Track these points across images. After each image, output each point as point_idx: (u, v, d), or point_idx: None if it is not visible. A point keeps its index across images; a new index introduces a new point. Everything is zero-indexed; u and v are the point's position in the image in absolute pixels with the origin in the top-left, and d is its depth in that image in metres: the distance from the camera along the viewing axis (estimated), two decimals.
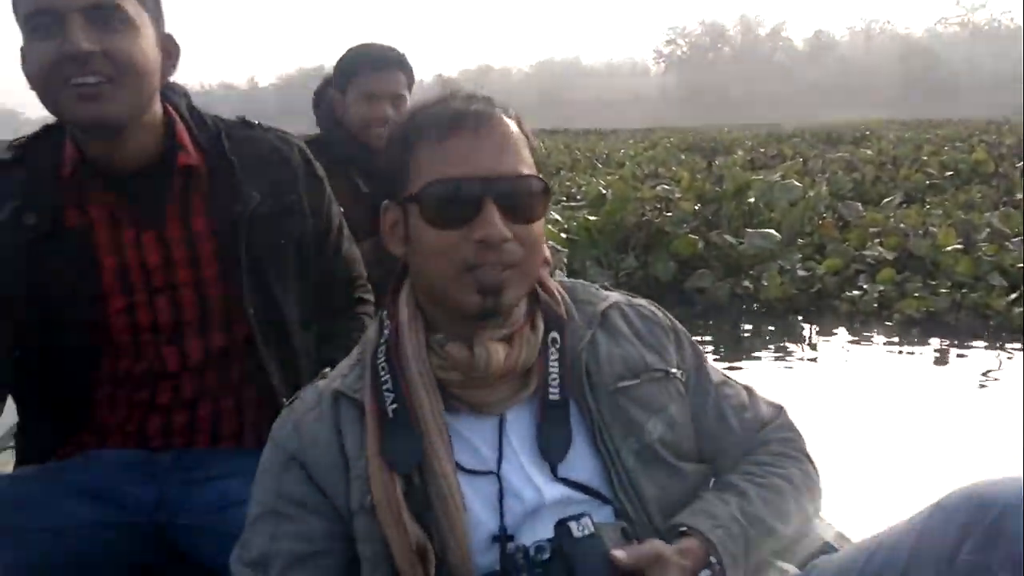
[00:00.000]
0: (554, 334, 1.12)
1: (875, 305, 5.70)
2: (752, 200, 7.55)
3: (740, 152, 16.27)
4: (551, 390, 1.09)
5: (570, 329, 1.14)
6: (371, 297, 1.75)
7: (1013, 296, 5.43)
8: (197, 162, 1.46)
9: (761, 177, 8.37)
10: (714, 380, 1.21)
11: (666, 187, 8.51)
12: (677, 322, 1.23)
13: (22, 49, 1.34)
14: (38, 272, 1.41)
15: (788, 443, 1.19)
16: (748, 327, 5.91)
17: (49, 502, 1.43)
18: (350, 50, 2.48)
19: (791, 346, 5.47)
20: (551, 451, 1.07)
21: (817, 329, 5.73)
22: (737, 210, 7.44)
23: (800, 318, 5.94)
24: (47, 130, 1.47)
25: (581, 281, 1.24)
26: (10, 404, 1.53)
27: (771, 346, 5.47)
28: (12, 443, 1.77)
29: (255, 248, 1.48)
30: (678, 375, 1.17)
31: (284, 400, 1.22)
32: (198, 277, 1.47)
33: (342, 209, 1.70)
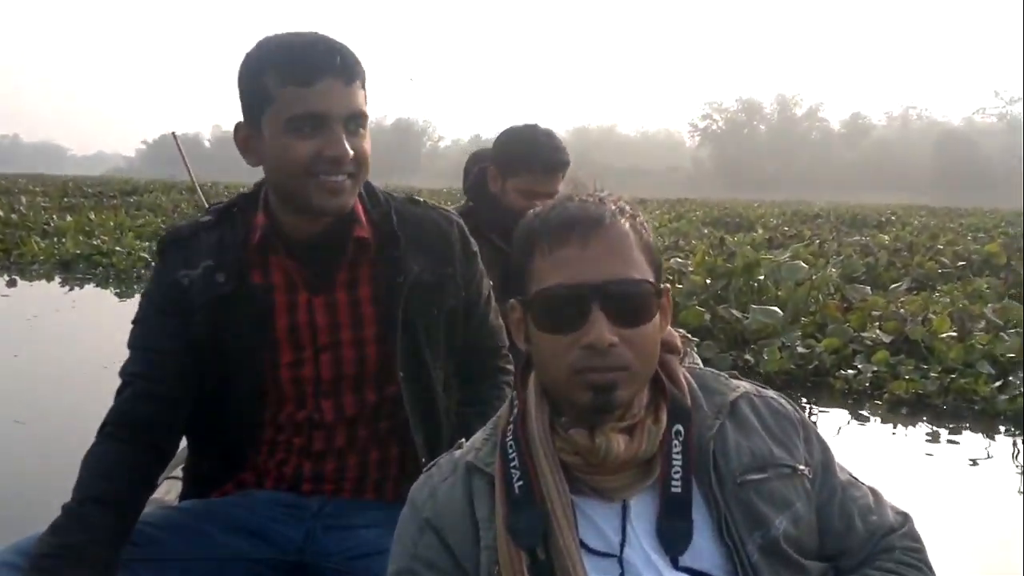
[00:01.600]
0: (678, 426, 1.13)
1: (867, 384, 5.97)
2: (761, 277, 7.88)
3: (761, 230, 16.60)
4: (673, 483, 1.10)
5: (698, 419, 1.15)
6: (512, 367, 1.81)
7: (998, 384, 5.70)
8: (369, 235, 1.60)
9: (771, 256, 8.69)
10: (841, 479, 1.20)
11: (680, 260, 8.88)
12: (806, 416, 1.23)
13: (240, 126, 1.53)
14: (222, 325, 1.56)
15: (912, 553, 1.18)
16: None
17: (210, 534, 1.57)
18: (522, 136, 2.52)
19: None
20: (672, 543, 1.08)
21: (815, 402, 5.99)
22: (746, 286, 7.77)
23: (799, 393, 6.21)
24: (244, 198, 1.64)
25: (711, 370, 1.25)
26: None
27: None
28: (175, 474, 1.95)
29: (411, 314, 1.61)
30: (805, 472, 1.16)
31: (423, 458, 1.35)
32: (359, 337, 1.62)
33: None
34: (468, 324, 1.74)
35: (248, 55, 1.52)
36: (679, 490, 1.10)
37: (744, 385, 1.23)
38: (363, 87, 1.51)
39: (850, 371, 6.17)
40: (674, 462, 1.11)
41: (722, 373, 1.25)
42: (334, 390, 1.63)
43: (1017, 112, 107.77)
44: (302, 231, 1.57)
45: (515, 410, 1.17)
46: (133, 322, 1.64)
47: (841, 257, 11.48)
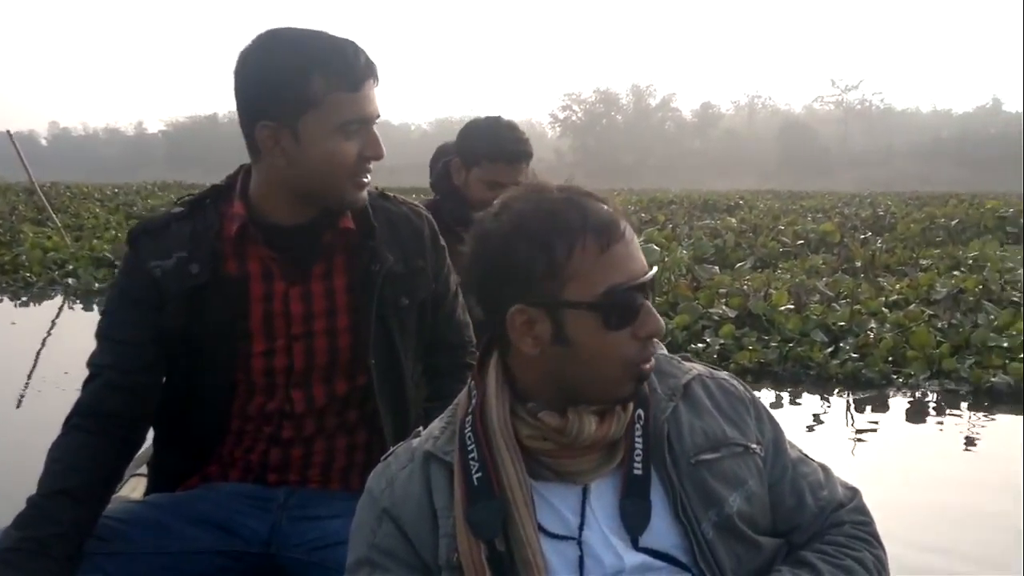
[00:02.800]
0: (639, 411, 1.16)
1: (715, 356, 6.36)
2: None
3: None
4: (635, 465, 1.13)
5: (653, 400, 1.17)
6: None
7: (830, 350, 6.21)
8: (352, 226, 1.62)
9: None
10: (792, 457, 1.23)
11: None
12: (756, 396, 1.26)
13: (265, 126, 1.49)
14: (195, 316, 1.56)
15: (862, 526, 1.21)
16: None
17: (176, 528, 1.57)
18: (485, 127, 2.55)
19: None
20: (632, 524, 1.11)
21: None
22: None
23: None
24: (215, 190, 1.64)
25: (664, 354, 1.25)
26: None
27: None
28: (141, 471, 1.96)
29: (384, 305, 1.63)
30: (757, 450, 1.19)
31: (391, 446, 1.32)
32: (332, 327, 1.63)
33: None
34: (436, 318, 1.76)
35: (274, 53, 1.50)
36: (640, 472, 1.13)
37: (697, 367, 1.25)
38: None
39: (700, 345, 6.56)
40: (636, 445, 1.14)
41: (675, 356, 1.26)
42: (305, 380, 1.64)
43: (852, 99, 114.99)
44: (288, 220, 1.59)
45: (473, 400, 1.16)
46: (102, 312, 1.63)
47: (692, 240, 12.09)
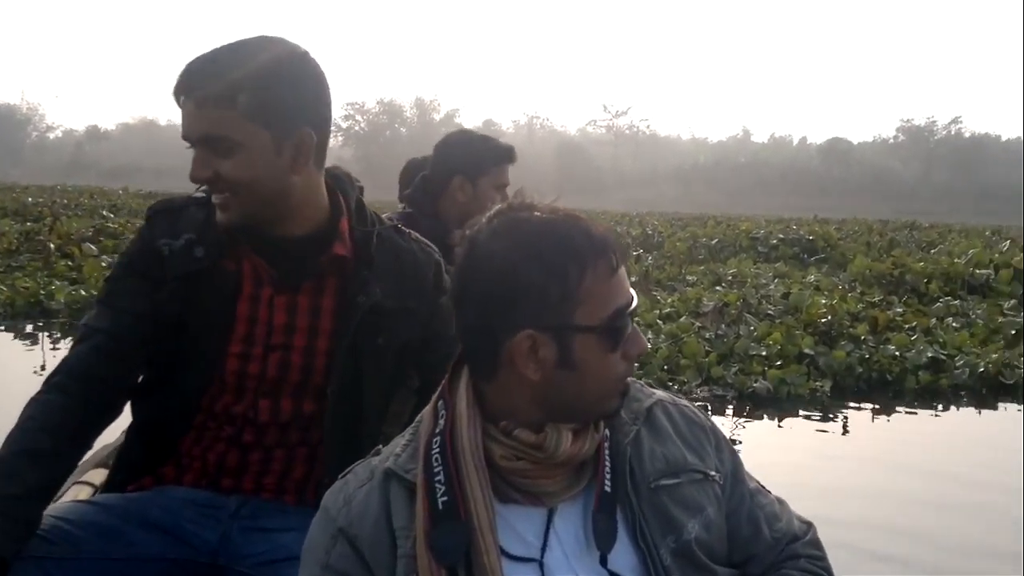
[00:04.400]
0: (606, 431, 1.16)
1: None
2: None
3: None
4: (606, 482, 1.13)
5: (617, 424, 1.17)
6: None
7: None
8: (348, 253, 1.60)
9: None
10: (750, 487, 1.24)
11: None
12: (716, 425, 1.26)
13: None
14: (189, 300, 1.56)
15: (817, 560, 1.21)
16: None
17: (126, 532, 1.53)
18: (474, 138, 2.59)
19: None
20: (602, 540, 1.10)
21: None
22: None
23: None
24: None
25: (629, 378, 1.23)
26: (115, 429, 1.66)
27: None
28: (87, 478, 1.88)
29: (360, 338, 1.59)
30: (716, 478, 1.19)
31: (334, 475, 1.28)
32: (311, 346, 1.60)
33: None
34: (428, 360, 1.69)
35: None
36: (610, 489, 1.13)
37: (659, 393, 1.26)
38: (229, 107, 1.45)
39: None
40: (607, 463, 1.14)
41: (639, 381, 1.26)
42: (275, 391, 1.61)
43: (622, 124, 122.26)
44: (277, 234, 1.57)
45: (441, 420, 1.12)
46: (105, 280, 1.66)
47: None
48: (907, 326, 8.36)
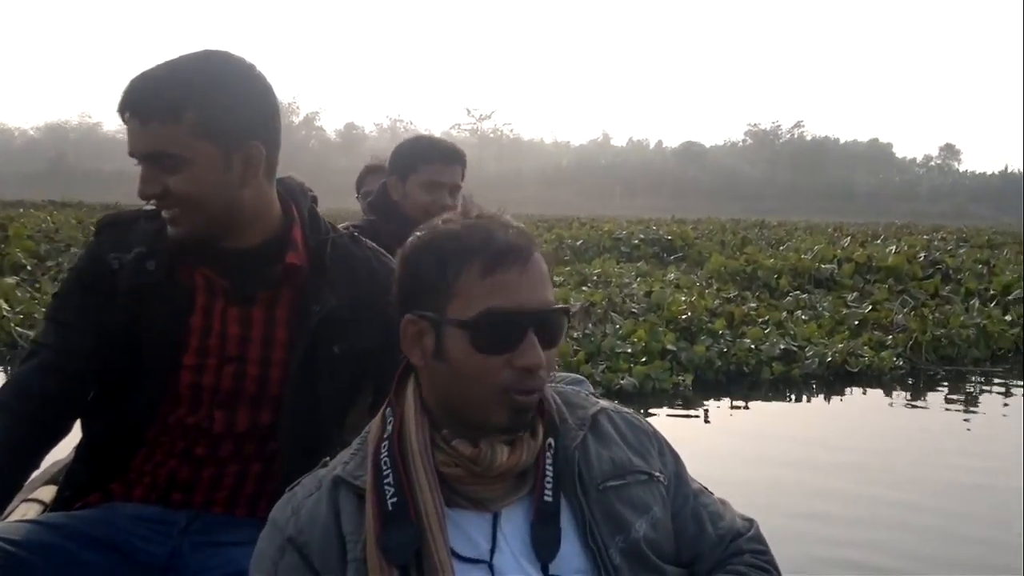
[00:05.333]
0: (550, 440, 1.17)
1: None
2: None
3: None
4: (546, 492, 1.13)
5: (563, 430, 1.19)
6: None
7: None
8: (302, 262, 1.58)
9: None
10: (693, 488, 1.27)
11: None
12: (658, 431, 1.29)
13: None
14: (140, 313, 1.54)
15: (760, 555, 1.24)
16: None
17: (70, 551, 1.49)
18: (413, 141, 2.59)
19: None
20: (544, 550, 1.11)
21: None
22: None
23: None
24: None
25: (573, 388, 1.29)
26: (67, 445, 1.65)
27: None
28: (36, 495, 1.84)
29: (316, 347, 1.57)
30: (661, 478, 1.22)
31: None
32: (267, 357, 1.58)
33: None
34: (385, 370, 1.61)
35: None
36: (550, 499, 1.13)
37: (603, 403, 1.28)
38: (174, 122, 1.43)
39: None
40: (547, 472, 1.15)
41: (583, 391, 1.30)
42: (230, 403, 1.59)
43: (486, 128, 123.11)
44: (229, 246, 1.55)
45: (389, 426, 1.15)
46: (54, 295, 1.64)
47: None
48: (761, 320, 8.78)
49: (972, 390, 7.41)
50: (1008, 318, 9.29)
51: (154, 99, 1.44)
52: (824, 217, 47.42)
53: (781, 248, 16.24)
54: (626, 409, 1.31)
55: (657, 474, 1.22)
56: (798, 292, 11.05)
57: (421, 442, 1.12)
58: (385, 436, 1.14)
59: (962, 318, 8.98)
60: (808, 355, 7.57)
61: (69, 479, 1.66)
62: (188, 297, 1.57)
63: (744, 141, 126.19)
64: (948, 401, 7.01)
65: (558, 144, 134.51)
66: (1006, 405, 6.94)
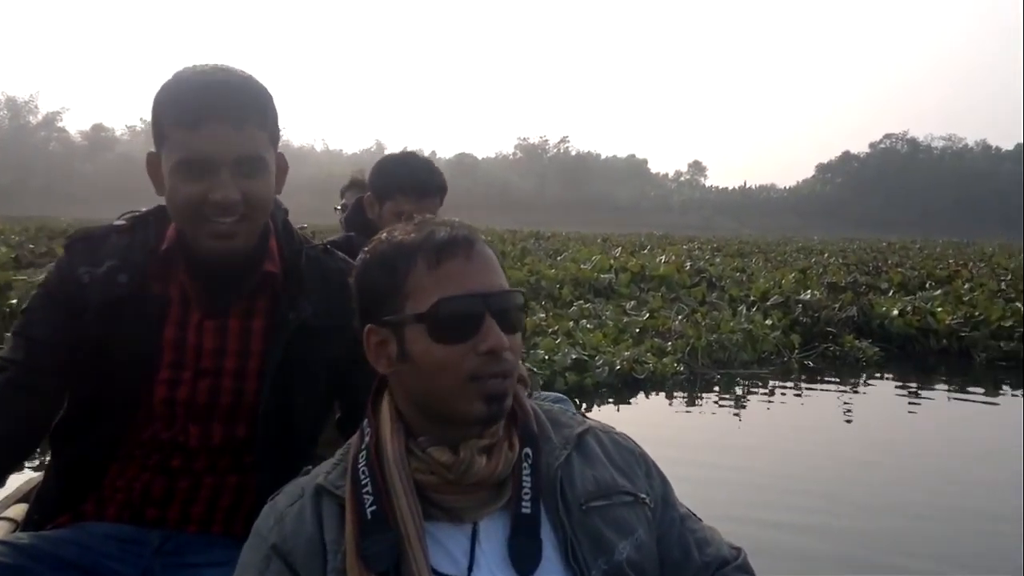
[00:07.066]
0: (528, 450, 1.15)
1: None
2: (15, 301, 6.94)
3: (3, 248, 14.84)
4: (523, 504, 1.11)
5: (547, 448, 1.18)
6: None
7: None
8: (277, 271, 1.59)
9: (25, 277, 7.78)
10: (680, 512, 1.25)
11: None
12: (646, 452, 1.28)
13: (151, 155, 1.51)
14: (112, 327, 1.52)
15: None
16: None
17: (37, 573, 1.44)
18: (397, 163, 2.54)
19: None
20: (522, 563, 1.09)
21: None
22: None
23: None
24: (161, 209, 1.58)
25: (560, 406, 1.31)
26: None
27: None
28: (7, 513, 1.77)
29: (291, 355, 1.58)
30: (647, 500, 1.20)
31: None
32: (242, 369, 1.57)
33: None
34: (353, 382, 1.66)
35: (162, 85, 1.50)
36: (528, 510, 1.12)
37: (590, 421, 1.27)
38: (261, 127, 1.48)
39: None
40: (524, 483, 1.13)
41: (569, 410, 1.31)
42: (205, 416, 1.58)
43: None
44: (210, 254, 1.53)
45: (367, 437, 1.15)
46: (22, 311, 1.62)
47: None
48: (551, 330, 8.85)
49: (741, 392, 7.85)
50: (769, 322, 10.00)
51: (250, 103, 1.47)
52: (590, 228, 50.01)
53: (559, 258, 16.70)
54: (614, 429, 1.29)
55: (643, 496, 1.21)
56: (581, 301, 11.33)
57: (397, 451, 1.11)
58: (363, 446, 1.15)
59: (731, 323, 9.56)
60: (598, 364, 7.69)
61: (39, 500, 1.63)
62: (161, 310, 1.57)
63: (515, 154, 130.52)
64: (720, 403, 7.38)
65: (330, 152, 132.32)
66: (770, 402, 7.42)
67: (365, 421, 1.18)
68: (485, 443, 1.12)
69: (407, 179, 2.49)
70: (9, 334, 1.61)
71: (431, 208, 2.48)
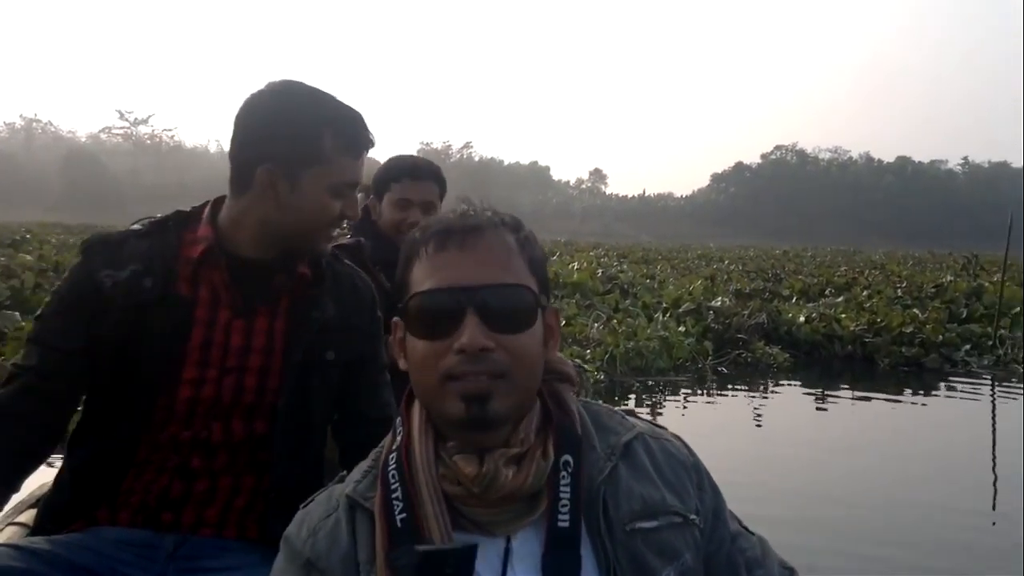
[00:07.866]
0: (567, 457, 1.06)
1: None
2: None
3: None
4: (560, 517, 1.03)
5: (589, 458, 1.09)
6: None
7: None
8: (308, 272, 1.66)
9: None
10: (731, 529, 1.17)
11: None
12: (700, 461, 1.18)
13: (268, 169, 1.56)
14: (137, 330, 1.54)
15: None
16: None
17: None
18: (389, 160, 2.61)
19: None
20: None
21: None
22: None
23: None
24: (179, 214, 1.65)
25: (607, 407, 1.19)
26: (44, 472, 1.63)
27: None
28: (20, 519, 1.74)
29: (311, 353, 1.62)
30: (696, 520, 1.12)
31: (278, 495, 1.42)
32: (266, 366, 1.61)
33: None
34: (358, 385, 1.73)
35: (289, 104, 1.57)
36: (566, 524, 1.03)
37: (639, 425, 1.17)
38: None
39: None
40: (562, 494, 1.04)
41: (617, 411, 1.19)
42: (228, 413, 1.59)
43: (142, 133, 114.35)
44: (250, 253, 1.60)
45: (398, 438, 1.10)
46: (36, 317, 1.63)
47: None
48: None
49: (657, 398, 7.84)
50: (682, 329, 10.06)
51: (373, 140, 1.65)
52: None
53: None
54: (667, 434, 1.20)
55: (693, 516, 1.12)
56: None
57: (425, 456, 1.06)
58: (394, 448, 1.10)
59: (648, 331, 9.55)
60: None
61: (51, 504, 1.62)
62: (188, 312, 1.58)
63: None
64: (638, 408, 7.35)
65: (224, 154, 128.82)
66: (685, 407, 7.44)
67: (398, 420, 1.13)
68: (514, 452, 1.04)
69: (396, 166, 2.56)
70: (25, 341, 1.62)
71: (428, 193, 2.52)
